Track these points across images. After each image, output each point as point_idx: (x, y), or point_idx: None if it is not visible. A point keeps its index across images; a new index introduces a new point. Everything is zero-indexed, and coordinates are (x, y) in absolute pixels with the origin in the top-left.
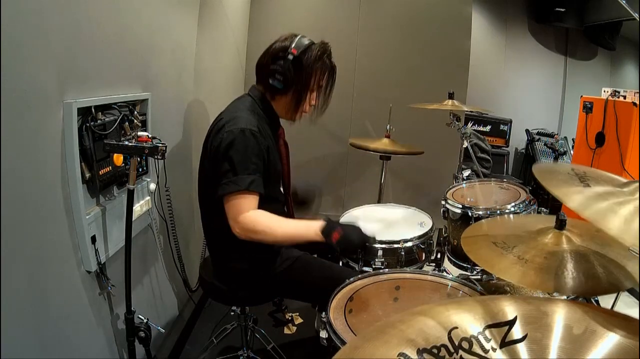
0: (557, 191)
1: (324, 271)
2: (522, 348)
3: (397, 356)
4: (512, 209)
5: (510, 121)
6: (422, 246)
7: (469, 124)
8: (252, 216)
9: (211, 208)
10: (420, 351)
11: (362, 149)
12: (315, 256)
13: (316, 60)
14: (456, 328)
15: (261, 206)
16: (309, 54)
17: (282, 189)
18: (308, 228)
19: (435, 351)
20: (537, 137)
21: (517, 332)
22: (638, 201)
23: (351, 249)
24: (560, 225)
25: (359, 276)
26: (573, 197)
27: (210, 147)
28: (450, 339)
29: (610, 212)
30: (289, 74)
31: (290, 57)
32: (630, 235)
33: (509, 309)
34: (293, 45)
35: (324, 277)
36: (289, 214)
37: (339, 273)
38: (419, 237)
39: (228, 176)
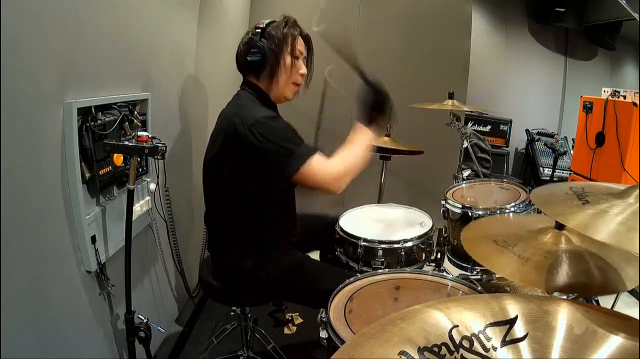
0: (557, 215)
1: (323, 275)
2: (523, 347)
3: (398, 354)
4: (512, 209)
5: (510, 121)
6: (422, 246)
7: (469, 124)
8: (333, 169)
9: (216, 209)
10: (420, 350)
11: None
12: (317, 257)
13: (283, 27)
14: (457, 326)
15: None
16: (274, 24)
17: None
18: (362, 139)
19: (436, 349)
20: (537, 137)
21: (518, 331)
22: (639, 205)
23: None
24: (560, 225)
25: (359, 276)
26: (573, 218)
27: (241, 148)
28: (451, 337)
29: (626, 229)
30: (261, 44)
31: (258, 31)
32: (632, 243)
33: (510, 307)
34: (259, 24)
35: (324, 282)
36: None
37: (339, 278)
38: (419, 237)
39: (286, 155)
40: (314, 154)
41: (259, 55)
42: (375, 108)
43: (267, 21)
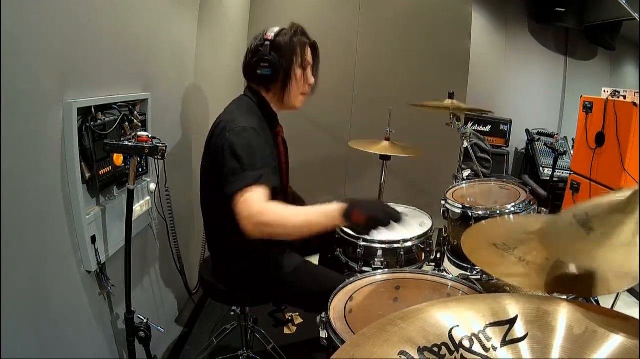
0: (564, 255)
1: (322, 281)
2: (523, 347)
3: (398, 354)
4: (512, 209)
5: (510, 121)
6: (422, 246)
7: (469, 124)
8: (262, 208)
9: (213, 209)
10: (420, 350)
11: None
12: (317, 259)
13: (292, 37)
14: (457, 326)
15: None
16: (283, 35)
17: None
18: (325, 214)
19: (436, 349)
20: (537, 137)
21: (518, 331)
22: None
23: (376, 226)
24: None
25: (359, 276)
26: (580, 255)
27: (214, 150)
28: (451, 337)
29: (620, 250)
30: (272, 58)
31: (267, 43)
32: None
33: (510, 307)
34: (266, 33)
35: (322, 286)
36: None
37: (338, 283)
38: (419, 237)
39: (236, 173)
40: (256, 184)
41: (270, 70)
42: (369, 227)
43: (275, 31)
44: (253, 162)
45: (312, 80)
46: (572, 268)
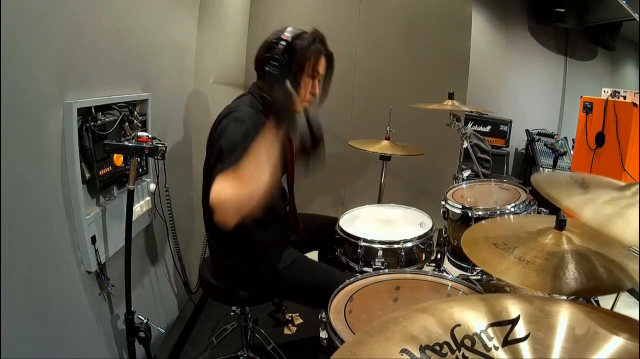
0: (559, 197)
1: (322, 274)
2: (524, 347)
3: (400, 352)
4: (512, 209)
5: (510, 121)
6: (422, 246)
7: (469, 125)
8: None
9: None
10: (422, 348)
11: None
12: (316, 257)
13: (309, 45)
14: (459, 325)
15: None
16: (302, 40)
17: (285, 187)
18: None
19: (437, 348)
20: (537, 137)
21: (519, 331)
22: (638, 202)
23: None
24: (560, 225)
25: (359, 276)
26: (575, 201)
27: (211, 144)
28: (452, 336)
29: (614, 216)
30: (283, 59)
31: (283, 43)
32: (632, 236)
33: (512, 308)
34: (285, 32)
35: (321, 280)
36: (291, 209)
37: (337, 276)
38: (419, 237)
39: (216, 163)
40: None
41: (278, 71)
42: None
43: (294, 32)
44: (232, 153)
45: (315, 90)
46: (575, 269)
